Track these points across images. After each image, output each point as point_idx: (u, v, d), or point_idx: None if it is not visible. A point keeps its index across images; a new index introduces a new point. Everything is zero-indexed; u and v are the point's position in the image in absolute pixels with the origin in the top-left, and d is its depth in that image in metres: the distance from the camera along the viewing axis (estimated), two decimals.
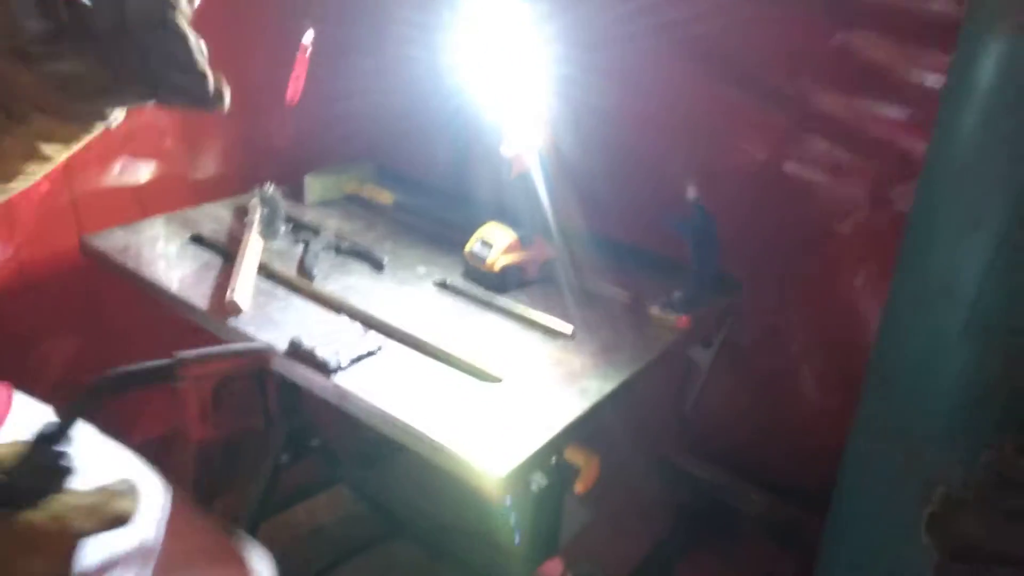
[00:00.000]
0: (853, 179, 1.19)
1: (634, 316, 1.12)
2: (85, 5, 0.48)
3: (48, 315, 1.37)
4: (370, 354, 0.97)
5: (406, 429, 0.85)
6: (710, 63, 1.19)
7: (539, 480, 1.13)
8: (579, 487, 1.04)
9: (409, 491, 1.58)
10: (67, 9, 0.48)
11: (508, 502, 1.26)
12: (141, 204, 1.46)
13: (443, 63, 1.26)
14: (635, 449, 1.40)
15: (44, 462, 0.46)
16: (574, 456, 1.07)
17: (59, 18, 0.48)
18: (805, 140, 1.21)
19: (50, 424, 0.48)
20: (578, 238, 1.24)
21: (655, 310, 1.10)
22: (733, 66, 1.19)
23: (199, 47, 0.52)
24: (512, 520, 1.25)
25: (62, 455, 0.47)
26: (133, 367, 0.50)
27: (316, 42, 1.53)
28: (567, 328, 1.06)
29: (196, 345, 0.66)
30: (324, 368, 0.93)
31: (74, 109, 0.53)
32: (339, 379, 0.92)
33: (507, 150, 1.13)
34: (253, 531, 1.48)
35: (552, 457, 1.08)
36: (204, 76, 0.52)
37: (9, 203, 1.29)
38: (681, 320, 1.08)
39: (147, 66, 0.51)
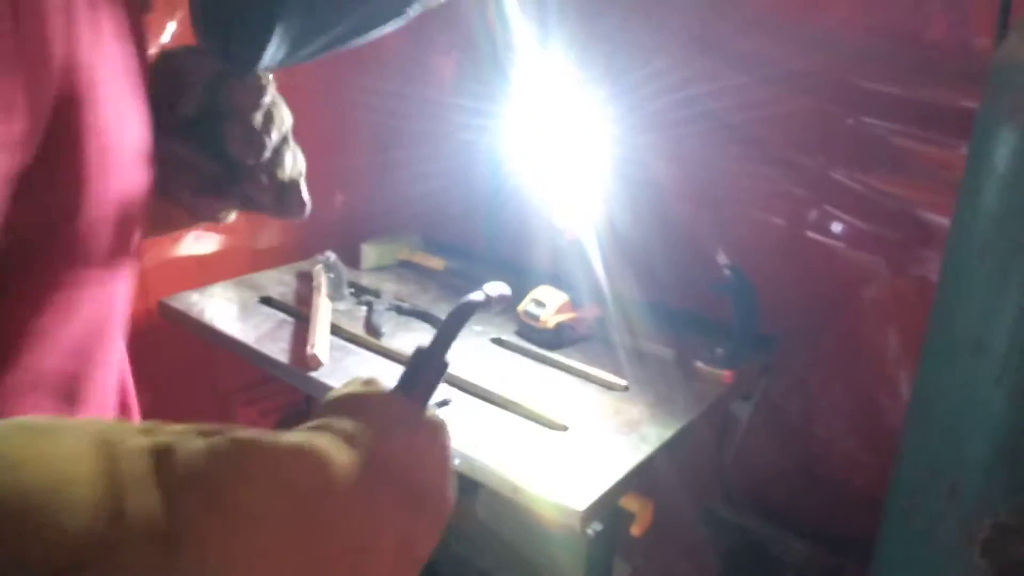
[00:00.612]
0: (873, 247, 1.29)
1: (681, 371, 1.20)
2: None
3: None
4: (443, 404, 1.05)
5: (488, 472, 0.93)
6: (745, 145, 1.31)
7: (595, 525, 1.20)
8: (636, 530, 1.10)
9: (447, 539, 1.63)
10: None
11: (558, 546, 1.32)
12: (204, 272, 1.56)
13: (493, 144, 1.39)
14: (680, 498, 1.46)
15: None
16: (629, 503, 1.14)
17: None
18: (827, 212, 1.32)
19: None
20: (625, 300, 1.34)
21: (701, 365, 1.19)
22: (764, 148, 1.31)
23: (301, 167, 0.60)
24: (564, 566, 1.30)
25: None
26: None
27: (366, 126, 1.67)
28: (621, 381, 1.15)
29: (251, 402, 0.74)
30: None
31: (199, 203, 0.58)
32: None
33: (561, 220, 1.23)
34: None
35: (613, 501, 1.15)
36: (303, 202, 0.60)
37: None
38: (726, 375, 1.17)
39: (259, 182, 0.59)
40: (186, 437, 0.32)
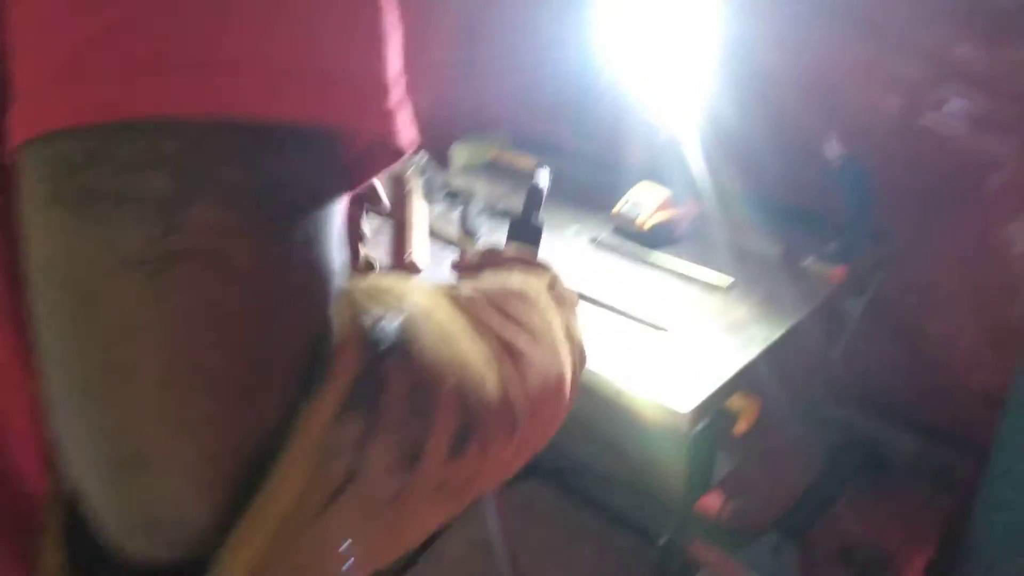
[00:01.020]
0: (1001, 131, 1.18)
1: (789, 269, 1.15)
2: None
3: None
4: None
5: (590, 374, 0.93)
6: (859, 25, 1.20)
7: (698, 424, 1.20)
8: (739, 428, 1.10)
9: None
10: None
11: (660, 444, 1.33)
12: None
13: (585, 35, 1.31)
14: (784, 394, 1.44)
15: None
16: (733, 400, 1.13)
17: None
18: (949, 93, 1.21)
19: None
20: (728, 196, 1.28)
21: (811, 262, 1.14)
22: (880, 28, 1.20)
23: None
24: (665, 462, 1.32)
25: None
26: None
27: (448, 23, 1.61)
28: (725, 281, 1.11)
29: None
30: None
31: None
32: None
33: (658, 115, 1.17)
34: None
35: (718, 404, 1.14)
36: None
37: None
38: (837, 271, 1.12)
39: None
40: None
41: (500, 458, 0.38)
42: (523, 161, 1.52)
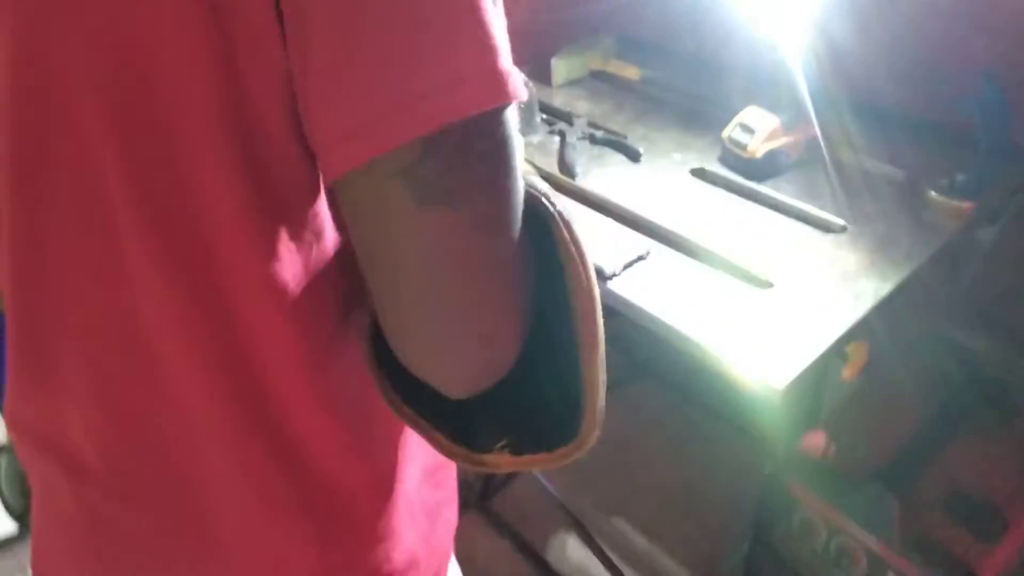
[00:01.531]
0: None
1: (911, 200, 1.06)
2: None
3: None
4: (640, 259, 1.03)
5: (683, 339, 0.92)
6: None
7: None
8: (847, 372, 1.07)
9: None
10: None
11: None
12: None
13: None
14: (907, 324, 1.37)
15: None
16: None
17: None
18: None
19: None
20: (846, 112, 1.17)
21: (935, 195, 1.04)
22: None
23: None
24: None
25: None
26: None
27: None
28: (838, 220, 1.04)
29: None
30: (600, 275, 1.00)
31: None
32: (614, 285, 1.00)
33: (768, 28, 1.07)
34: None
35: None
36: None
37: None
38: (966, 207, 1.02)
39: None
40: None
41: None
42: (629, 71, 1.43)
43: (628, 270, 1.01)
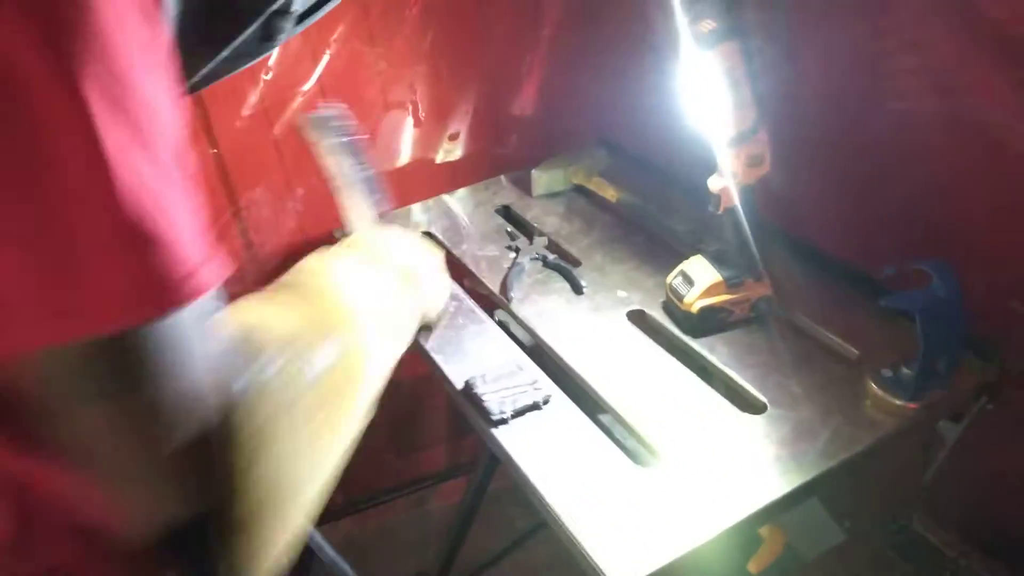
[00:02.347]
0: None
1: (851, 383, 0.95)
2: None
3: None
4: (535, 407, 0.96)
5: (548, 510, 0.84)
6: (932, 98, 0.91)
7: None
8: (752, 566, 0.95)
9: None
10: None
11: None
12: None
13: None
14: (869, 509, 1.23)
15: None
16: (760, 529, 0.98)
17: None
18: None
19: None
20: (799, 271, 1.07)
21: (875, 387, 0.93)
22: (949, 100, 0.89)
23: None
24: None
25: None
26: None
27: (553, 40, 1.48)
28: (760, 399, 0.95)
29: None
30: (487, 417, 0.95)
31: None
32: (499, 432, 0.93)
33: (715, 183, 0.99)
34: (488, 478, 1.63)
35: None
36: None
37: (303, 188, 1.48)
38: (904, 406, 0.90)
39: None
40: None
41: None
42: (607, 191, 1.38)
43: (520, 418, 0.95)
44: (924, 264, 0.85)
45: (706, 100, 0.91)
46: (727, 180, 0.97)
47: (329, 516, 1.98)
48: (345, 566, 1.31)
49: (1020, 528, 1.05)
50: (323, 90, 1.39)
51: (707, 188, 1.00)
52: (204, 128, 1.33)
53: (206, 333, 0.45)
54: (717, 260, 1.06)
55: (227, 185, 1.42)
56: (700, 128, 0.95)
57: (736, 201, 0.98)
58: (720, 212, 1.00)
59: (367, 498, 2.02)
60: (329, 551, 1.28)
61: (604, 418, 0.96)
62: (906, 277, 0.88)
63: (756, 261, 1.02)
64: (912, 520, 1.12)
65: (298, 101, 1.41)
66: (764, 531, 0.95)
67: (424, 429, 2.00)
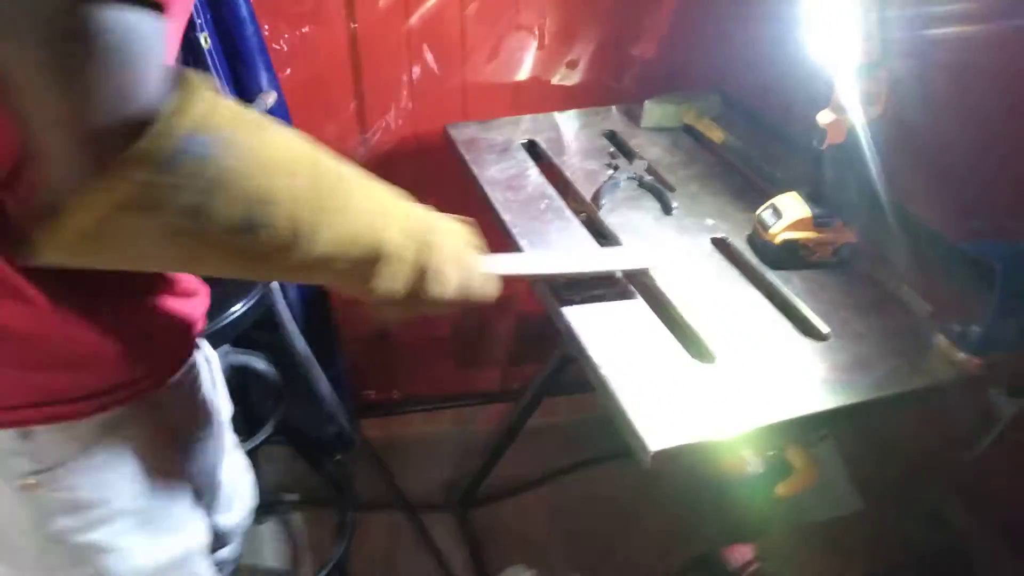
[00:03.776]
0: None
1: (919, 333, 0.96)
2: None
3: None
4: (604, 297, 1.00)
5: (597, 373, 0.89)
6: None
7: (755, 465, 1.09)
8: (781, 489, 0.98)
9: None
10: None
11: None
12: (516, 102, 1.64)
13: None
14: (902, 476, 1.23)
15: None
16: (795, 457, 1.00)
17: None
18: None
19: None
20: (890, 226, 1.08)
21: (942, 338, 0.93)
22: None
23: None
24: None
25: None
26: None
27: None
28: (823, 328, 0.97)
29: None
30: (559, 296, 1.00)
31: None
32: (567, 310, 0.98)
33: (824, 117, 1.01)
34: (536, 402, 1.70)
35: (769, 451, 1.03)
36: None
37: (425, 86, 1.55)
38: (969, 361, 0.90)
39: None
40: None
41: None
42: (714, 132, 1.40)
43: (589, 304, 1.00)
44: (1017, 220, 0.86)
45: (830, 29, 0.93)
46: (837, 115, 0.99)
47: (379, 411, 2.08)
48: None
49: None
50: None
51: (815, 122, 1.02)
52: (347, 2, 1.42)
53: (158, 52, 0.47)
54: (811, 199, 1.07)
55: (355, 63, 1.50)
56: (818, 59, 0.97)
57: (842, 138, 1.00)
58: (824, 149, 1.02)
59: (418, 401, 2.11)
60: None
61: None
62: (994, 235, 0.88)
63: (852, 203, 1.03)
64: (946, 500, 1.11)
65: (434, 2, 1.49)
66: (799, 462, 0.98)
67: (485, 348, 2.07)
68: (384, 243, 0.64)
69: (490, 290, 0.79)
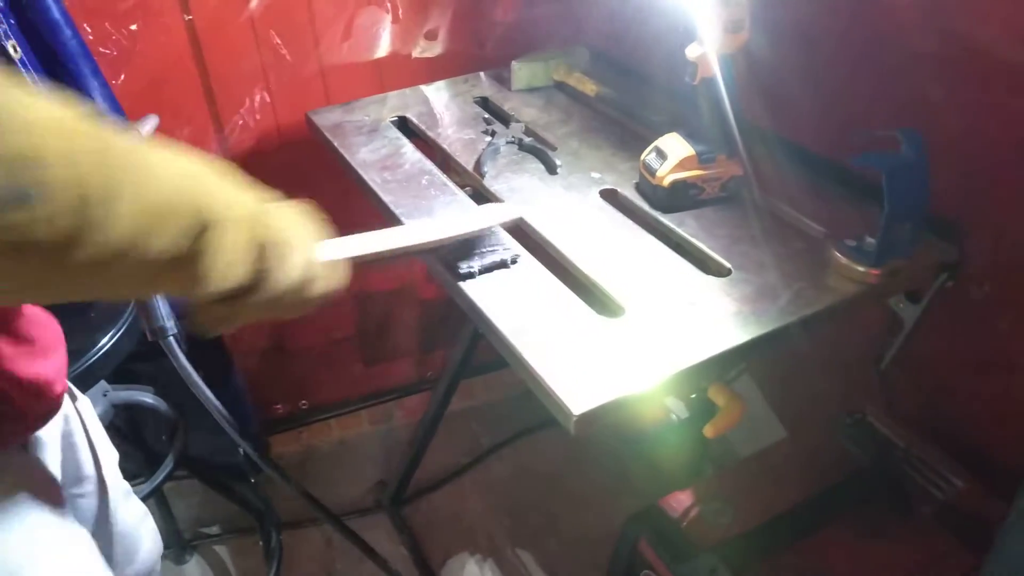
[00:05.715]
0: None
1: (817, 255, 0.96)
2: None
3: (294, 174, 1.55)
4: (503, 264, 0.96)
5: (513, 353, 0.85)
6: None
7: (680, 411, 1.08)
8: (708, 430, 0.97)
9: None
10: None
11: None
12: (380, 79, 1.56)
13: None
14: (819, 396, 1.26)
15: None
16: (718, 395, 0.99)
17: None
18: None
19: None
20: (771, 153, 1.08)
21: (838, 255, 0.94)
22: None
23: None
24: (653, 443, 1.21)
25: None
26: None
27: None
28: (725, 264, 0.95)
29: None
30: (455, 272, 0.94)
31: None
32: (467, 286, 0.93)
33: (692, 51, 0.99)
34: (454, 386, 1.64)
35: (691, 394, 1.02)
36: None
37: (279, 74, 1.44)
38: (867, 272, 0.91)
39: None
40: None
41: None
42: (587, 86, 1.37)
43: (488, 275, 0.95)
44: (895, 131, 0.86)
45: None
46: (705, 48, 0.97)
47: (290, 424, 1.99)
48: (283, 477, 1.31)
49: (972, 418, 1.07)
50: None
51: (684, 57, 1.00)
52: None
53: None
54: (692, 137, 1.06)
55: (197, 59, 1.39)
56: None
57: (715, 71, 0.98)
58: (696, 83, 1.00)
59: (330, 408, 2.03)
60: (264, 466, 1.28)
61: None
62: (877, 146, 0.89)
63: (731, 135, 1.02)
64: (865, 412, 1.14)
65: None
66: (722, 399, 0.97)
67: (392, 342, 2.00)
68: (210, 206, 0.49)
69: (337, 276, 0.65)
